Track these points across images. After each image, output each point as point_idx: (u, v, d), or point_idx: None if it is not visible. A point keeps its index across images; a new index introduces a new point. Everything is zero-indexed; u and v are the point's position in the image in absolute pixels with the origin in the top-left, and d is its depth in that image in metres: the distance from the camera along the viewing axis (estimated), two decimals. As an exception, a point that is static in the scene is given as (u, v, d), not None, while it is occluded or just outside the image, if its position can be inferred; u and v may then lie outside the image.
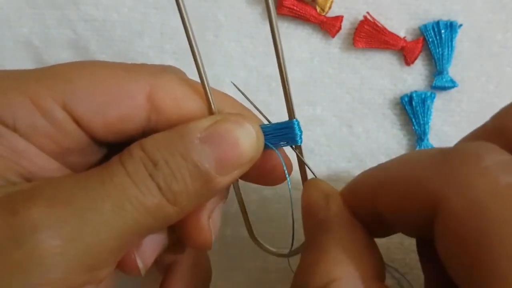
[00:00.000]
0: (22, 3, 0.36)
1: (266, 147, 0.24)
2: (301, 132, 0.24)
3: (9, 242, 0.19)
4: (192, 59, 0.23)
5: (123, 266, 0.24)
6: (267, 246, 0.28)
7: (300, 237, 0.27)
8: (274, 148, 0.24)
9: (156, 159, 0.21)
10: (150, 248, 0.25)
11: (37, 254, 0.19)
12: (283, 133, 0.24)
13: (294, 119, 0.24)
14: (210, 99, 0.23)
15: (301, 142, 0.24)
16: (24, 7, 0.36)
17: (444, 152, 0.19)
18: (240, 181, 0.27)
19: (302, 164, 0.26)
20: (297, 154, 0.25)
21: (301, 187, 0.26)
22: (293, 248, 0.27)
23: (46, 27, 0.36)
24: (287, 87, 0.23)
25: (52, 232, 0.19)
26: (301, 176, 0.26)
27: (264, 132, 0.24)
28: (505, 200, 0.17)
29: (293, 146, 0.25)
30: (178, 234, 0.26)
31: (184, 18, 0.22)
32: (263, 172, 0.25)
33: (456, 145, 0.20)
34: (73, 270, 0.19)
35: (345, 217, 0.22)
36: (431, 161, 0.19)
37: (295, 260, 0.29)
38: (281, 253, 0.28)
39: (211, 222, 0.25)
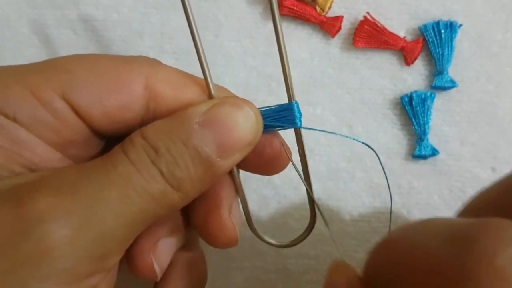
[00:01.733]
0: (22, 3, 0.36)
1: (265, 130, 0.24)
2: (300, 114, 0.24)
3: (17, 234, 0.19)
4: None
5: (139, 270, 0.24)
6: (265, 237, 0.28)
7: (299, 227, 0.27)
8: (274, 129, 0.24)
9: (157, 146, 0.21)
10: (166, 251, 0.25)
11: (45, 245, 0.19)
12: (282, 116, 0.24)
13: (294, 101, 0.24)
14: (210, 84, 0.23)
15: (300, 125, 0.24)
16: (24, 7, 0.36)
17: (456, 244, 0.16)
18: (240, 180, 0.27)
19: (302, 148, 0.25)
20: (297, 139, 0.25)
21: (300, 187, 0.26)
22: (293, 240, 0.27)
23: (46, 27, 0.36)
24: (286, 67, 0.23)
25: (59, 222, 0.19)
26: (301, 163, 0.26)
27: (262, 115, 0.24)
28: None
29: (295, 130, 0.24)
30: (202, 237, 0.26)
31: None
32: (263, 158, 0.25)
33: (470, 222, 0.17)
34: (82, 260, 0.20)
35: None
36: (445, 254, 0.17)
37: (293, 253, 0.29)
38: (279, 244, 0.28)
39: (232, 217, 0.25)
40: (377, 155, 0.25)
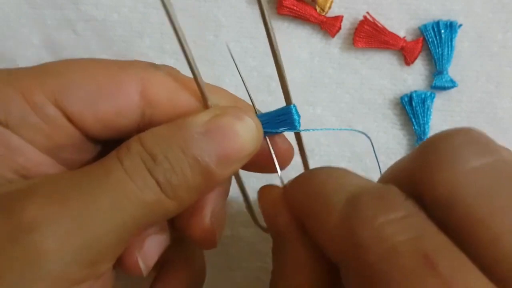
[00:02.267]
0: (22, 3, 0.36)
1: (265, 134, 0.24)
2: (299, 116, 0.24)
3: (7, 241, 0.19)
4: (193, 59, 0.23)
5: (126, 267, 0.24)
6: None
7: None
8: (273, 134, 0.24)
9: (155, 154, 0.21)
10: (152, 248, 0.25)
11: (34, 251, 0.19)
12: (281, 120, 0.24)
13: (292, 105, 0.24)
14: (204, 92, 0.23)
15: (299, 127, 0.24)
16: (24, 7, 0.36)
17: (349, 206, 0.19)
18: (241, 172, 0.27)
19: (302, 150, 0.25)
20: (297, 140, 0.25)
21: None
22: None
23: (46, 27, 0.36)
24: (282, 72, 0.23)
25: (49, 230, 0.19)
26: (303, 163, 0.26)
27: (262, 120, 0.24)
28: (393, 262, 0.17)
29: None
30: (182, 235, 0.26)
31: (167, 8, 0.21)
32: (264, 159, 0.25)
33: (368, 187, 0.20)
34: (71, 266, 0.20)
35: (291, 231, 0.23)
36: (340, 214, 0.19)
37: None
38: None
39: (215, 220, 0.25)
40: (371, 141, 0.26)
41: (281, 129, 0.24)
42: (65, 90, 0.22)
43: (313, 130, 0.25)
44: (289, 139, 0.26)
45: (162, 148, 0.21)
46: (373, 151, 0.30)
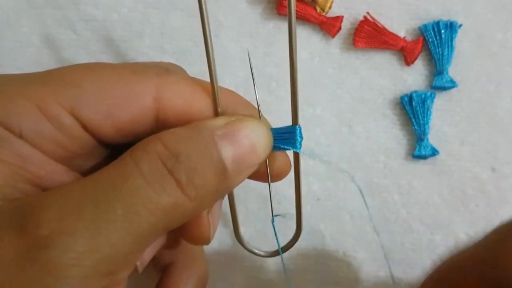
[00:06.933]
0: (22, 3, 0.36)
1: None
2: (301, 138, 0.25)
3: (23, 259, 0.19)
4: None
5: None
6: (250, 247, 0.28)
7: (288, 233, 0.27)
8: (276, 150, 0.25)
9: (178, 151, 0.21)
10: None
11: (52, 268, 0.19)
12: (285, 138, 0.25)
13: (297, 125, 0.24)
14: (218, 97, 0.24)
15: (299, 148, 0.25)
16: (24, 7, 0.36)
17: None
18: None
19: (297, 169, 0.26)
20: (294, 160, 0.26)
21: (301, 188, 0.26)
22: (276, 250, 0.28)
23: (46, 27, 0.36)
24: (296, 90, 0.24)
25: (65, 246, 0.19)
26: (295, 183, 0.26)
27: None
28: None
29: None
30: (176, 229, 0.26)
31: (204, 22, 0.22)
32: (261, 170, 0.25)
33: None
34: (91, 279, 0.19)
35: None
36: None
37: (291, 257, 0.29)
38: (263, 254, 0.28)
39: (210, 216, 0.25)
40: (360, 190, 0.27)
41: (285, 146, 0.25)
42: (81, 100, 0.22)
43: (310, 156, 0.26)
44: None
45: (185, 146, 0.21)
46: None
